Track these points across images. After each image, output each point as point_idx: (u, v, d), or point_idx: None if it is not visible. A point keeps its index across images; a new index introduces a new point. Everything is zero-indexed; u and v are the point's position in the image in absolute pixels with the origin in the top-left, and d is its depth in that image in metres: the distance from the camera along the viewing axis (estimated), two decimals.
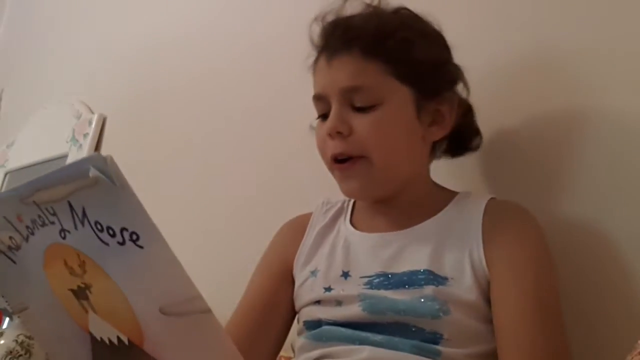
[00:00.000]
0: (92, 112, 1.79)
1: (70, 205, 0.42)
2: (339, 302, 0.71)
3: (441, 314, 0.64)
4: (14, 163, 2.01)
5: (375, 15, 0.73)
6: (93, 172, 0.38)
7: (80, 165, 0.39)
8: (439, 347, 0.64)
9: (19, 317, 0.53)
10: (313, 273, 0.75)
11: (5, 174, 2.03)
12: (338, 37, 0.72)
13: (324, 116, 0.73)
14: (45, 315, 0.52)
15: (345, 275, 0.72)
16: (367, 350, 0.65)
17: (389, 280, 0.69)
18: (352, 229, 0.77)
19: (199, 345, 0.43)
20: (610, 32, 0.78)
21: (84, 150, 1.72)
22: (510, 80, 0.87)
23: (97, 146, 1.74)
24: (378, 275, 0.70)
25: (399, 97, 0.70)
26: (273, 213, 0.97)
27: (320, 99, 0.73)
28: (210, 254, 1.28)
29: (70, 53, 2.05)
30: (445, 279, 0.67)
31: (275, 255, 0.83)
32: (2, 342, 1.06)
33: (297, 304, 0.77)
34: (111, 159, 0.39)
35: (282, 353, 0.80)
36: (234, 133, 1.34)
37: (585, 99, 0.79)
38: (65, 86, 2.00)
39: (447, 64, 0.75)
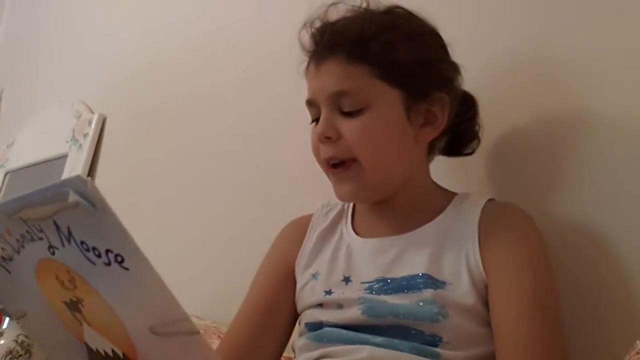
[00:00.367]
0: (92, 112, 1.79)
1: (56, 224, 0.41)
2: (339, 305, 0.71)
3: (440, 318, 0.65)
4: (14, 163, 2.01)
5: (360, 18, 0.73)
6: (72, 197, 0.38)
7: (60, 188, 0.38)
8: (438, 350, 0.64)
9: (18, 322, 0.53)
10: (314, 276, 0.76)
11: (5, 174, 2.03)
12: (325, 43, 0.72)
13: (317, 120, 0.73)
14: (42, 323, 0.52)
15: (347, 280, 0.73)
16: (367, 350, 0.65)
17: (388, 285, 0.69)
18: (354, 234, 0.78)
19: None
20: (610, 35, 0.78)
21: (84, 150, 1.72)
22: (507, 82, 0.87)
23: (97, 146, 1.74)
24: (378, 281, 0.70)
25: (387, 99, 0.70)
26: (273, 213, 0.97)
27: (311, 104, 0.74)
28: (210, 254, 1.28)
29: (70, 53, 2.05)
30: (444, 283, 0.67)
31: (277, 257, 0.83)
32: (2, 342, 1.06)
33: (299, 307, 0.77)
34: (91, 182, 0.38)
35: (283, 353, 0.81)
36: (234, 133, 1.34)
37: (582, 100, 0.79)
38: (65, 86, 2.00)
39: (437, 63, 0.74)
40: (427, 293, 0.66)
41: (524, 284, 0.65)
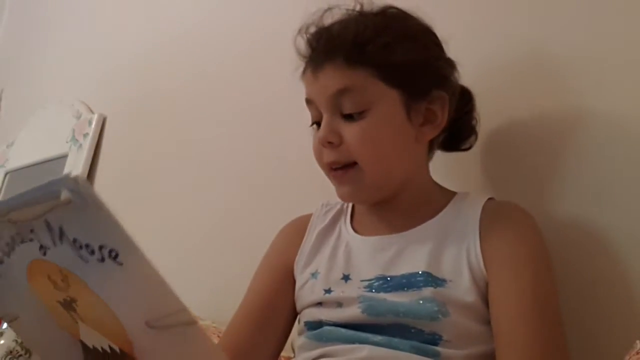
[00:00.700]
0: (92, 112, 1.79)
1: (48, 223, 0.41)
2: (339, 304, 0.71)
3: (440, 316, 0.65)
4: (14, 163, 2.01)
5: (354, 21, 0.73)
6: (65, 195, 0.38)
7: (51, 187, 0.39)
8: (438, 348, 0.64)
9: (10, 326, 0.52)
10: (313, 275, 0.76)
11: (5, 174, 2.02)
12: (321, 48, 0.72)
13: (317, 123, 0.74)
14: (36, 324, 0.52)
15: (346, 278, 0.73)
16: (366, 349, 0.65)
17: (388, 283, 0.69)
18: (352, 232, 0.78)
19: (186, 357, 0.43)
20: (607, 32, 0.78)
21: (84, 150, 1.72)
22: (504, 80, 0.87)
23: (97, 146, 1.74)
24: (377, 279, 0.70)
25: (387, 100, 0.70)
26: (273, 213, 0.97)
27: (311, 103, 0.74)
28: (210, 254, 1.28)
29: (70, 53, 2.05)
30: (444, 280, 0.67)
31: (276, 256, 0.83)
32: (2, 342, 1.06)
33: (298, 305, 0.77)
34: (83, 179, 0.38)
35: (281, 353, 0.81)
36: (234, 133, 1.34)
37: (580, 99, 0.79)
38: (65, 86, 2.00)
39: (435, 62, 0.74)
40: (427, 291, 0.66)
41: (523, 283, 0.65)
